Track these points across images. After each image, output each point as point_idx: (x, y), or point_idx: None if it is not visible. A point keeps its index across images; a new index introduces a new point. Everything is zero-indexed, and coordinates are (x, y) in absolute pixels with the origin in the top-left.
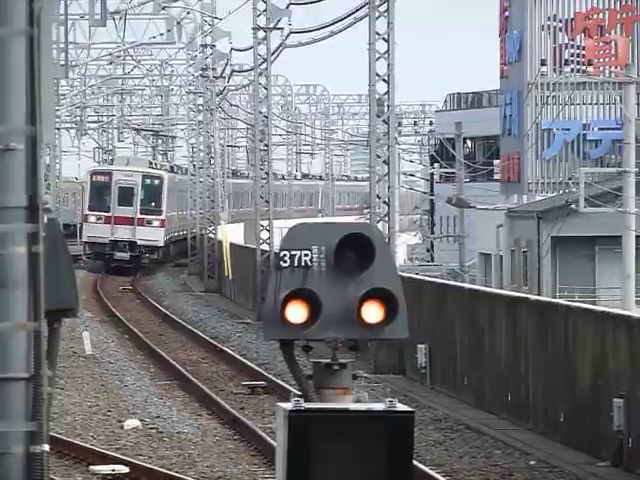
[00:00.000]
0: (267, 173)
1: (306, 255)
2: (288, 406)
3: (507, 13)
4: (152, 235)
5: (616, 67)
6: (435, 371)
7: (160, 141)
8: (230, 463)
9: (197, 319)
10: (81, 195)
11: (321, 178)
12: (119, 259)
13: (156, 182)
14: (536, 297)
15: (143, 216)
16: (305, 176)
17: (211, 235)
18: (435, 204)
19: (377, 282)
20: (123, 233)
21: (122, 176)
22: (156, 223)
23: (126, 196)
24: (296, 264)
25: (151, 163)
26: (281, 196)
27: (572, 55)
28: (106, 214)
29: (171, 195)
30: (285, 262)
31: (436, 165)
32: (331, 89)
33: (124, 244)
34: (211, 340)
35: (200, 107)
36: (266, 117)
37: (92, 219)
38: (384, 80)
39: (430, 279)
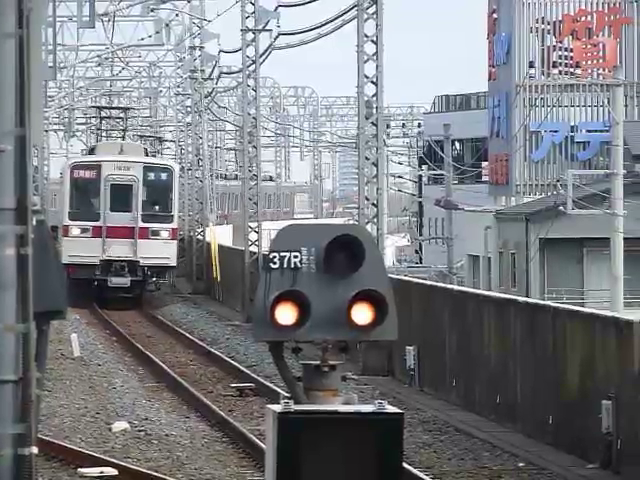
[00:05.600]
0: (256, 175)
1: (296, 256)
2: (277, 408)
3: (495, 15)
4: (160, 251)
5: (604, 69)
6: (424, 373)
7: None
8: (219, 465)
9: (185, 321)
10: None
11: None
12: (115, 286)
13: (163, 176)
14: (524, 299)
15: (147, 225)
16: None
17: (199, 237)
18: (423, 206)
19: (367, 284)
20: (120, 250)
21: (115, 169)
22: (165, 234)
23: (122, 197)
24: (286, 265)
25: (146, 151)
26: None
27: (560, 57)
28: (94, 224)
29: (181, 194)
30: (275, 263)
31: (424, 167)
32: (319, 91)
33: (121, 265)
34: (199, 342)
35: (188, 109)
36: (255, 119)
37: (75, 232)
38: (372, 82)
39: (419, 281)
